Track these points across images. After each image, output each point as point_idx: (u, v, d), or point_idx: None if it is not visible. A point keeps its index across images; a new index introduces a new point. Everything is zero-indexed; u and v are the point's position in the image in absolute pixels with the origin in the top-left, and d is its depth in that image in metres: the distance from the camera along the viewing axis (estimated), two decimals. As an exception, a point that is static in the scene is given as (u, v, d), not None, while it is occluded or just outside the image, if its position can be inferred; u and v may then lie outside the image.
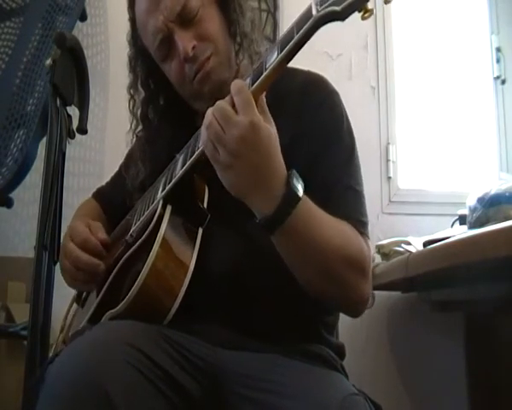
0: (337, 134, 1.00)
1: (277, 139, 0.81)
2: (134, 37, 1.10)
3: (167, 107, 1.12)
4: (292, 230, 0.81)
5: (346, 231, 0.89)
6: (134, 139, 1.16)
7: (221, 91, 0.94)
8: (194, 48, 0.99)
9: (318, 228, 0.84)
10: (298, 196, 0.80)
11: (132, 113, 1.13)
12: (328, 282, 0.86)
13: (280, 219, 0.80)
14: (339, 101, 1.03)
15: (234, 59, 1.05)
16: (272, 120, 0.82)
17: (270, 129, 0.80)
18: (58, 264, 0.95)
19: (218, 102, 0.80)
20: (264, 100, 0.82)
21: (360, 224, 0.93)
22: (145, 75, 1.11)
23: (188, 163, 0.91)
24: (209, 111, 0.81)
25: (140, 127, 1.13)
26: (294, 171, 0.82)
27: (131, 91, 1.13)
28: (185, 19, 1.00)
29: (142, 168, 1.10)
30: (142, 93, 1.12)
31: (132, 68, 1.12)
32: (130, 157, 1.19)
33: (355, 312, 0.94)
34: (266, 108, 0.82)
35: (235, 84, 0.80)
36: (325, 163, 0.94)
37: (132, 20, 1.08)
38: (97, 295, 0.98)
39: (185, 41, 0.99)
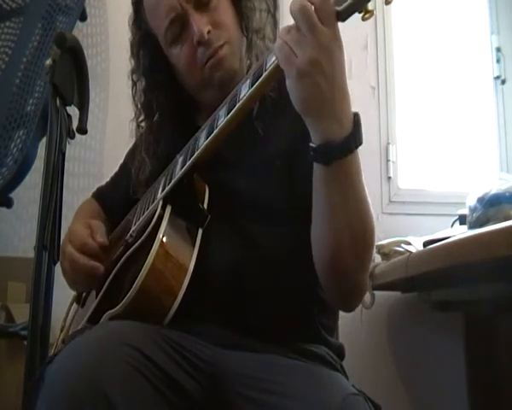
0: None
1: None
2: (138, 20, 1.07)
3: (169, 101, 1.10)
4: (346, 168, 0.77)
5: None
6: (136, 129, 1.14)
7: (231, 81, 0.94)
8: (209, 32, 0.98)
9: (361, 185, 0.81)
10: (361, 138, 0.77)
11: (134, 100, 1.11)
12: (353, 248, 0.83)
13: (345, 150, 0.75)
14: None
15: (245, 53, 1.04)
16: None
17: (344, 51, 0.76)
18: (58, 264, 0.95)
19: (299, 6, 0.72)
20: None
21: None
22: (148, 62, 1.08)
23: (188, 163, 0.91)
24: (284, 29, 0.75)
25: (142, 117, 1.11)
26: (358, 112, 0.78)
27: (134, 77, 1.11)
28: (201, 2, 0.99)
29: (148, 161, 1.08)
30: (144, 81, 1.10)
31: (135, 55, 1.10)
32: (134, 151, 1.17)
33: (353, 300, 0.92)
34: None
35: None
36: None
37: (136, 3, 1.06)
38: (97, 295, 0.98)
39: (201, 24, 0.98)
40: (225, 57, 1.00)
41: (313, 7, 0.72)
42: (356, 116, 0.77)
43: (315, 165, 0.79)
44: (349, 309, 0.95)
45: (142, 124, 1.12)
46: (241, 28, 1.06)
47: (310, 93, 0.74)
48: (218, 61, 0.99)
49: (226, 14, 1.03)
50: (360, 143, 0.77)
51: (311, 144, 0.77)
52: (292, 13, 0.73)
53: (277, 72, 0.78)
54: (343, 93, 0.75)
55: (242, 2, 1.06)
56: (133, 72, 1.11)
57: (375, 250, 0.90)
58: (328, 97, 0.74)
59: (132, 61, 1.11)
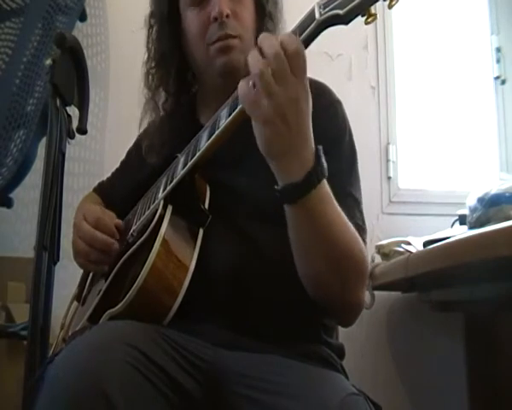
0: (339, 143, 1.00)
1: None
2: None
3: (177, 71, 1.10)
4: (313, 204, 0.79)
5: (354, 230, 0.89)
6: (145, 78, 1.13)
7: (232, 74, 0.94)
8: (227, 16, 0.99)
9: (335, 213, 0.83)
10: (325, 169, 0.79)
11: (147, 45, 1.11)
12: (332, 274, 0.85)
13: (306, 188, 0.78)
14: (342, 110, 1.04)
15: None
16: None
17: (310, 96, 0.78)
18: (58, 264, 0.95)
19: (275, 52, 0.73)
20: None
21: (361, 229, 0.94)
22: (167, 13, 1.08)
23: (189, 163, 0.91)
24: (259, 61, 0.74)
25: (153, 64, 1.11)
26: (321, 147, 0.80)
27: (151, 21, 1.11)
28: None
29: (156, 142, 1.09)
30: (160, 28, 1.09)
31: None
32: (138, 144, 1.19)
33: (348, 317, 0.94)
34: None
35: (293, 43, 0.74)
36: (328, 170, 0.93)
37: None
38: (98, 294, 0.98)
39: (223, 3, 0.98)
40: (234, 48, 1.00)
41: (286, 56, 0.73)
42: (317, 151, 0.79)
43: (284, 205, 0.81)
44: (344, 323, 0.97)
45: (153, 72, 1.11)
46: (256, 36, 1.06)
47: (273, 139, 0.76)
48: (225, 47, 1.00)
49: (248, 15, 1.04)
50: (323, 176, 0.79)
51: (276, 187, 0.80)
52: (266, 57, 0.73)
53: None
54: (305, 137, 0.78)
55: (266, 14, 1.07)
56: (151, 15, 1.11)
57: (367, 269, 0.92)
58: (290, 143, 0.76)
59: (152, 5, 1.11)
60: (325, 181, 0.80)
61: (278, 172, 0.79)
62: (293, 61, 0.73)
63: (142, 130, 1.20)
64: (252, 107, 0.76)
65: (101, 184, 1.31)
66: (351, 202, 0.97)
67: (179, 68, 1.10)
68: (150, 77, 1.12)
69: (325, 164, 0.79)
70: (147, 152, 1.12)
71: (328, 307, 0.92)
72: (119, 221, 1.04)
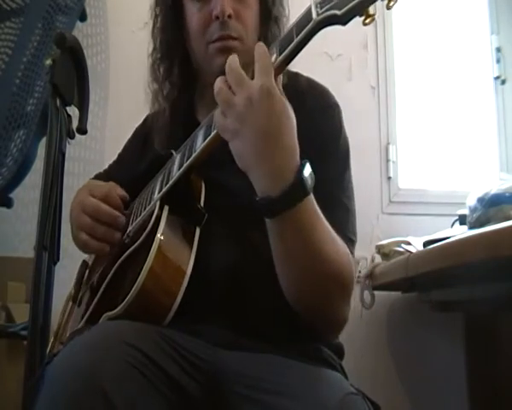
0: (333, 146, 0.99)
1: (294, 121, 0.77)
2: None
3: (180, 61, 1.09)
4: (292, 221, 0.77)
5: (340, 245, 0.87)
6: (151, 68, 1.12)
7: None
8: (230, 16, 0.98)
9: (318, 230, 0.81)
10: (307, 190, 0.76)
11: (153, 33, 1.11)
12: (314, 290, 0.84)
13: (283, 204, 0.75)
14: (339, 113, 1.03)
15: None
16: (291, 108, 0.78)
17: (287, 104, 0.76)
18: (58, 263, 0.95)
19: (230, 65, 0.75)
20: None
21: (349, 242, 0.93)
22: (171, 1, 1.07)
23: (185, 165, 0.91)
24: (219, 78, 0.77)
25: (158, 55, 1.10)
26: (308, 162, 0.77)
27: (156, 10, 1.10)
28: None
29: (166, 107, 1.09)
30: (164, 18, 1.09)
31: (155, 13, 1.10)
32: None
33: (331, 332, 0.93)
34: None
35: (259, 47, 0.75)
36: (318, 175, 0.85)
37: None
38: (95, 296, 0.97)
39: (226, 3, 0.97)
40: (233, 49, 0.98)
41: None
42: (300, 166, 0.76)
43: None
44: (329, 338, 0.96)
45: (158, 62, 1.10)
46: (260, 39, 1.05)
47: (243, 150, 0.76)
48: (224, 48, 0.99)
49: (252, 15, 1.03)
50: (306, 195, 0.76)
51: (255, 198, 0.78)
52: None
53: (278, 70, 0.78)
54: (280, 146, 0.75)
55: (270, 22, 1.06)
56: (156, 4, 1.11)
57: (352, 287, 0.89)
58: (260, 151, 0.75)
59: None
60: (311, 197, 0.78)
61: (255, 183, 0.78)
62: (255, 63, 0.74)
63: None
64: (221, 129, 0.77)
65: (98, 176, 1.30)
66: (342, 211, 0.95)
67: (183, 59, 1.09)
68: (156, 67, 1.11)
69: (309, 181, 0.76)
70: (158, 144, 1.10)
71: (311, 320, 0.90)
72: (125, 194, 1.02)
